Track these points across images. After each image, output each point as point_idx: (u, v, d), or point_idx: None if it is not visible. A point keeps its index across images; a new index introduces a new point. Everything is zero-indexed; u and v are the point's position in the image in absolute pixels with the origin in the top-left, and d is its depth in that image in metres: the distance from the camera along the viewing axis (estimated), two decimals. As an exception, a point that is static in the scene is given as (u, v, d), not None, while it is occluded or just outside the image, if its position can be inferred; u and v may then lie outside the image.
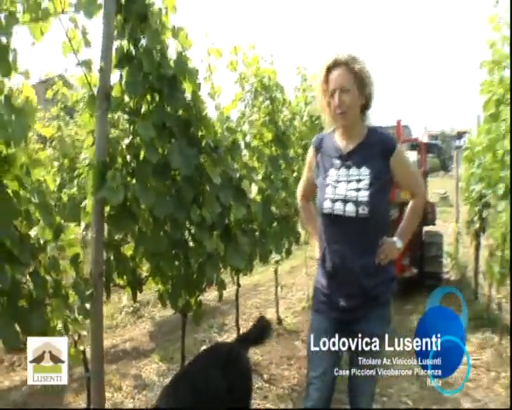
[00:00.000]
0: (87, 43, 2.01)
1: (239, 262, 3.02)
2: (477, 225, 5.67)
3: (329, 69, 2.00)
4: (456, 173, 9.95)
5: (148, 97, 2.31)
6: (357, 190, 1.97)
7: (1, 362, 4.45)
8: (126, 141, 2.22)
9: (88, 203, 2.17)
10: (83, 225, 2.37)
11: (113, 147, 2.16)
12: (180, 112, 2.50)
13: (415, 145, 8.61)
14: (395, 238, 2.11)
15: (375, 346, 2.02)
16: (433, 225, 7.37)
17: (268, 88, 4.01)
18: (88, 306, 2.15)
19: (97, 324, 2.27)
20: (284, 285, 6.85)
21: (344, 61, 1.99)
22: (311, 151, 2.24)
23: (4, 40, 1.60)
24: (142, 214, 2.29)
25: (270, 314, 5.39)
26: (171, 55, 2.46)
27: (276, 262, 4.95)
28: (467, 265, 8.02)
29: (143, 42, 2.24)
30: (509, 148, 3.36)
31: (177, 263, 2.65)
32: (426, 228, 7.16)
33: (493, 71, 3.92)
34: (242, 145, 3.59)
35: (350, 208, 1.96)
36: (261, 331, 3.11)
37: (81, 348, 2.22)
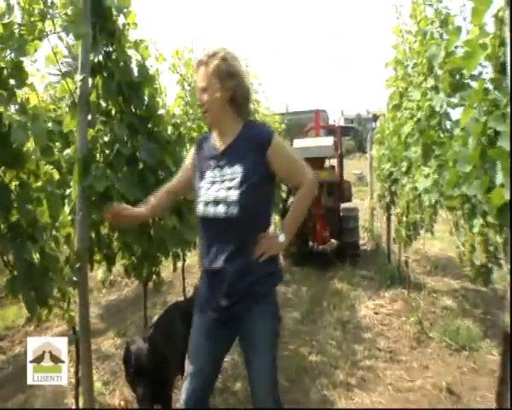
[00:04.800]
0: (74, 58, 2.40)
1: (192, 237, 3.55)
2: (387, 199, 6.50)
3: (196, 71, 2.03)
4: (369, 154, 10.89)
5: (120, 101, 2.73)
6: (228, 189, 1.90)
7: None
8: (105, 138, 2.63)
9: (73, 191, 2.56)
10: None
11: (92, 144, 2.56)
12: (143, 113, 2.94)
13: (331, 131, 9.44)
14: (278, 232, 2.05)
15: (261, 342, 1.99)
16: (350, 202, 8.22)
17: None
18: (75, 278, 2.56)
19: (83, 292, 2.67)
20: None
21: (203, 61, 1.97)
22: (192, 151, 2.22)
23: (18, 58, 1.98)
24: (117, 198, 2.72)
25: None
26: (133, 64, 2.89)
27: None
28: (380, 235, 9.05)
29: (113, 54, 2.66)
30: (407, 132, 4.06)
31: (142, 240, 3.11)
32: (343, 205, 8.00)
33: (397, 68, 4.68)
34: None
35: (220, 210, 1.90)
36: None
37: (72, 313, 2.63)
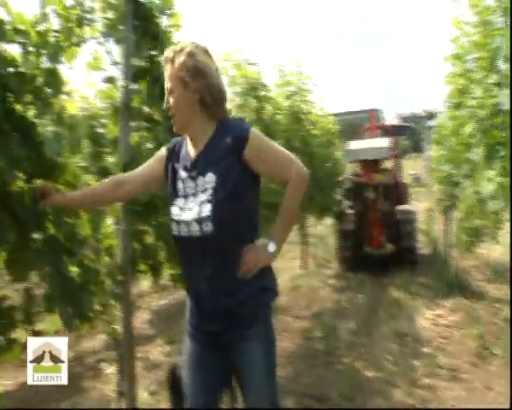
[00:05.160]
0: (114, 63, 2.32)
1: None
2: (447, 203, 6.13)
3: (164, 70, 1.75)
4: (426, 155, 10.45)
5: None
6: (201, 203, 1.63)
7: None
8: (149, 145, 2.55)
9: (116, 201, 2.48)
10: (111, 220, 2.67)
11: (135, 150, 2.48)
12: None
13: (386, 131, 9.08)
14: (267, 240, 1.74)
15: (255, 365, 1.77)
16: (407, 204, 7.84)
17: (255, 88, 4.36)
18: (118, 290, 2.49)
19: (127, 305, 2.60)
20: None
21: (169, 58, 1.70)
22: (162, 152, 1.87)
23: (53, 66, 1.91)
24: (162, 208, 2.63)
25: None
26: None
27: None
28: (438, 239, 8.59)
29: (157, 58, 2.57)
30: (469, 132, 3.75)
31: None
32: (400, 207, 7.64)
33: (456, 64, 4.36)
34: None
35: (194, 228, 1.63)
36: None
37: (115, 327, 2.56)
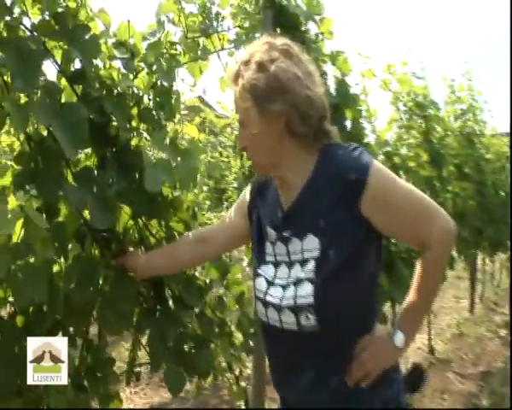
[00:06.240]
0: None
1: (400, 296, 2.81)
2: None
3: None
4: None
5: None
6: (297, 282, 1.10)
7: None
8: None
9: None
10: (245, 260, 2.36)
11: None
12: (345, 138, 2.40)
13: None
14: (392, 329, 1.17)
15: None
16: None
17: (422, 106, 3.78)
18: (251, 343, 2.12)
19: (259, 360, 2.23)
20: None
21: (233, 75, 1.16)
22: (244, 197, 1.38)
23: (165, 84, 1.62)
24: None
25: (421, 341, 5.03)
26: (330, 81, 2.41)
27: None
28: None
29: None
30: None
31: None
32: None
33: None
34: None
35: (287, 318, 1.12)
36: (416, 381, 2.77)
37: (243, 384, 2.20)
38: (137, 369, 1.85)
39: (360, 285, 1.13)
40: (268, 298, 1.15)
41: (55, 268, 1.31)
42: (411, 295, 1.17)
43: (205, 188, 6.06)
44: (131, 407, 3.94)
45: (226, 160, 5.71)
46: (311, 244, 1.10)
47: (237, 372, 2.11)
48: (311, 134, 1.15)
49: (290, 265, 1.14)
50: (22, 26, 1.26)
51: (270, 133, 1.13)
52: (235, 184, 4.31)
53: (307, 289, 1.07)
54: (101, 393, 1.47)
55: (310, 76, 1.14)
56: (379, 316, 1.20)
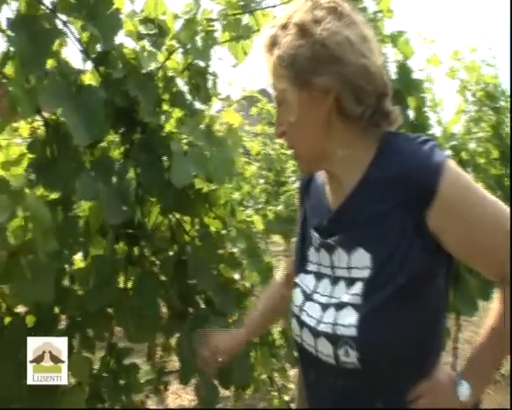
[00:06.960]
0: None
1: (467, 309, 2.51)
2: None
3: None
4: None
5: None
6: (340, 305, 0.87)
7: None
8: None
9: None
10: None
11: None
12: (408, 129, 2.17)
13: None
14: (456, 376, 0.88)
15: None
16: None
17: (492, 97, 3.42)
18: (296, 353, 1.94)
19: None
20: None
21: (268, 42, 0.90)
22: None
23: (202, 64, 1.46)
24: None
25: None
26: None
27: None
28: None
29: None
30: None
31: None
32: None
33: None
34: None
35: (324, 347, 0.88)
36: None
37: (286, 398, 2.02)
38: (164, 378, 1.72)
39: (420, 319, 0.86)
40: (303, 317, 0.93)
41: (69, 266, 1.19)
42: (483, 338, 0.89)
43: (261, 181, 5.92)
44: (178, 402, 3.86)
45: (287, 152, 5.52)
46: (361, 261, 0.86)
47: (279, 385, 1.94)
48: (368, 116, 0.87)
49: (334, 281, 0.91)
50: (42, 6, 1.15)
51: (315, 115, 0.88)
52: (294, 178, 4.12)
53: (350, 318, 0.83)
54: (123, 402, 1.35)
55: (365, 41, 0.87)
56: (441, 354, 0.93)
